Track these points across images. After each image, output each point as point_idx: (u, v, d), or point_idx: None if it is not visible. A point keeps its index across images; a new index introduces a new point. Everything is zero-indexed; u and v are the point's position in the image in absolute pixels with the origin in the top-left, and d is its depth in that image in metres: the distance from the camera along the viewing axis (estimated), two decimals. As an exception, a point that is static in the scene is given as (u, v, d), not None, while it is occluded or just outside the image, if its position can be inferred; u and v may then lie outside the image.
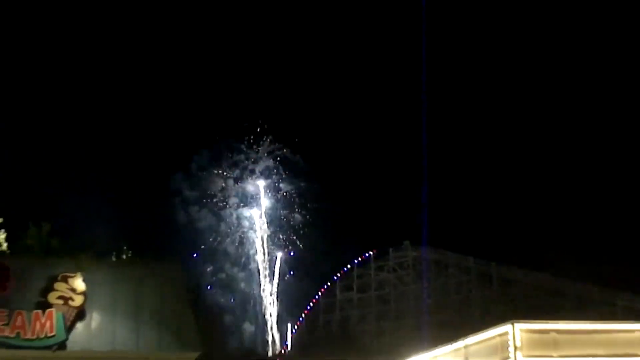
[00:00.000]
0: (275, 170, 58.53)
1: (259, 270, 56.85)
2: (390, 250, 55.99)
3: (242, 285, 57.01)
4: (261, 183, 58.10)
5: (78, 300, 25.81)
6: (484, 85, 57.21)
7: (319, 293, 57.35)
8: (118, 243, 37.66)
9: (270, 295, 56.52)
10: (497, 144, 56.25)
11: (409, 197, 52.60)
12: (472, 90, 57.27)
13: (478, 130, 57.06)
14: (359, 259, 56.92)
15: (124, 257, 37.47)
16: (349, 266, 56.90)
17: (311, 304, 57.26)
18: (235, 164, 58.33)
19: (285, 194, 58.13)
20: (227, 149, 58.12)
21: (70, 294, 25.77)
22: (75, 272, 26.12)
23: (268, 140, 58.33)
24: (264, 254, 56.92)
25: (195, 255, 54.47)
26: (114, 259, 36.18)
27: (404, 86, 56.91)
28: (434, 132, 50.46)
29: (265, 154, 58.43)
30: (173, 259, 31.86)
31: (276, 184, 58.40)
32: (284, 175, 58.35)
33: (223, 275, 56.47)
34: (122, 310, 26.72)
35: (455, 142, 56.98)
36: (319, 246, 55.59)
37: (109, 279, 27.18)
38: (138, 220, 48.77)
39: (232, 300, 56.08)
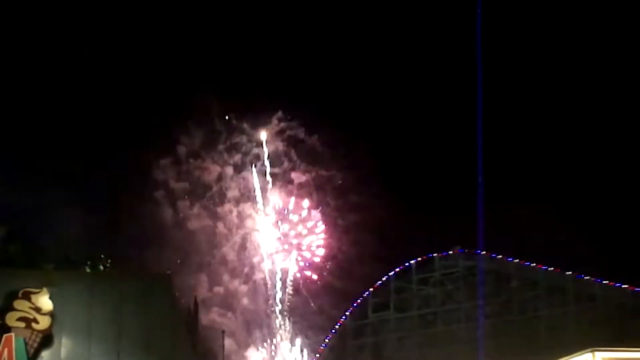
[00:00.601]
0: (286, 156, 58.61)
1: (265, 283, 56.98)
2: (436, 258, 56.22)
3: (245, 301, 57.19)
4: (268, 171, 58.18)
5: (44, 323, 26.15)
6: (552, 73, 56.62)
7: (347, 313, 57.58)
8: (93, 250, 38.01)
9: (281, 314, 56.65)
10: (571, 127, 55.78)
11: (459, 192, 52.38)
12: (536, 77, 56.68)
13: (547, 113, 56.55)
14: (397, 269, 57.13)
15: (101, 267, 37.78)
16: (384, 279, 57.14)
17: (336, 327, 57.48)
18: (235, 148, 58.46)
19: (299, 185, 58.23)
20: (225, 128, 58.18)
21: (33, 314, 26.11)
22: (40, 287, 26.42)
23: (277, 117, 58.39)
24: (272, 262, 57.01)
25: (187, 264, 54.71)
26: (88, 270, 36.54)
27: (453, 62, 56.11)
28: (490, 113, 49.88)
29: (274, 135, 58.50)
30: (161, 270, 32.17)
31: (287, 174, 58.49)
32: (298, 163, 58.47)
33: (221, 289, 56.67)
34: (98, 334, 27.07)
35: (517, 124, 56.47)
36: (344, 253, 55.69)
37: (83, 296, 27.48)
38: (117, 222, 48.94)
39: (232, 320, 56.26)
